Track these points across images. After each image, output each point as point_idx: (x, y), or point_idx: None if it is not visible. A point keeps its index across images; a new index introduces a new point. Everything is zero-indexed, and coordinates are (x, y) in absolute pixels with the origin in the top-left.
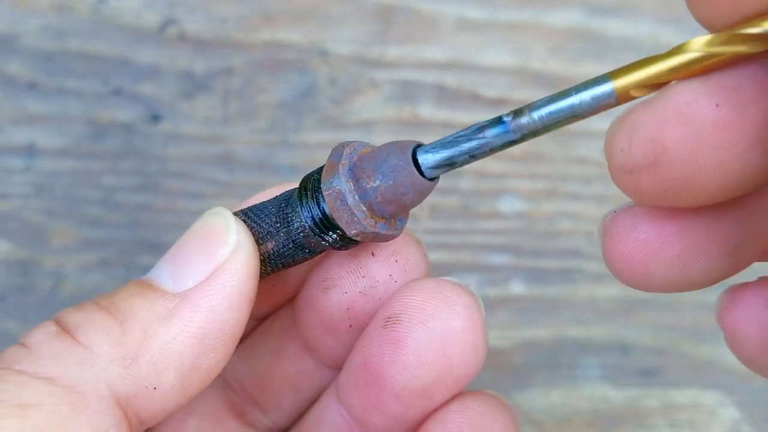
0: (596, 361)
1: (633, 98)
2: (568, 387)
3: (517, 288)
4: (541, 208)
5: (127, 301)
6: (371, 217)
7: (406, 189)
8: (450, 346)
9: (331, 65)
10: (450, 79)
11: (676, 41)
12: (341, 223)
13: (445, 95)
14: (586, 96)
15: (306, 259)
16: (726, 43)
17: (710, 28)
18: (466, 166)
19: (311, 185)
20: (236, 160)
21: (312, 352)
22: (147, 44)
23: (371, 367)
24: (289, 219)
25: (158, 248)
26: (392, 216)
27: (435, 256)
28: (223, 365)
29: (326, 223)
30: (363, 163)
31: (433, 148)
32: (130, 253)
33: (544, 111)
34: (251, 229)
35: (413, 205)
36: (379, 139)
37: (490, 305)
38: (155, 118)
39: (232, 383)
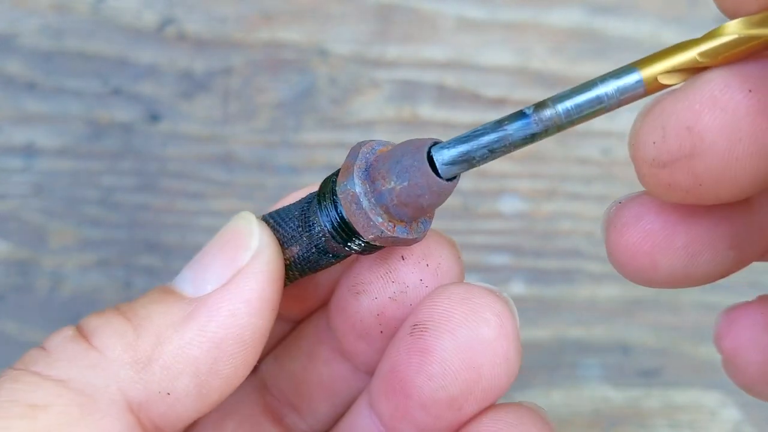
0: (597, 361)
1: (661, 88)
2: (568, 387)
3: (517, 288)
4: (541, 208)
5: (145, 307)
6: (389, 221)
7: (422, 190)
8: (478, 356)
9: (331, 65)
10: (450, 79)
11: (677, 40)
12: (357, 228)
13: (445, 95)
14: (612, 86)
15: (332, 264)
16: (761, 24)
17: (733, 15)
18: None
19: (329, 188)
20: (236, 160)
21: (346, 356)
22: (146, 44)
23: (398, 376)
24: (311, 223)
25: (158, 248)
26: (412, 219)
27: None
28: (244, 372)
29: (345, 227)
30: (379, 163)
31: (450, 143)
32: (130, 253)
33: (568, 103)
34: (276, 233)
35: (432, 207)
36: (379, 139)
37: None
38: (154, 118)
39: (269, 386)
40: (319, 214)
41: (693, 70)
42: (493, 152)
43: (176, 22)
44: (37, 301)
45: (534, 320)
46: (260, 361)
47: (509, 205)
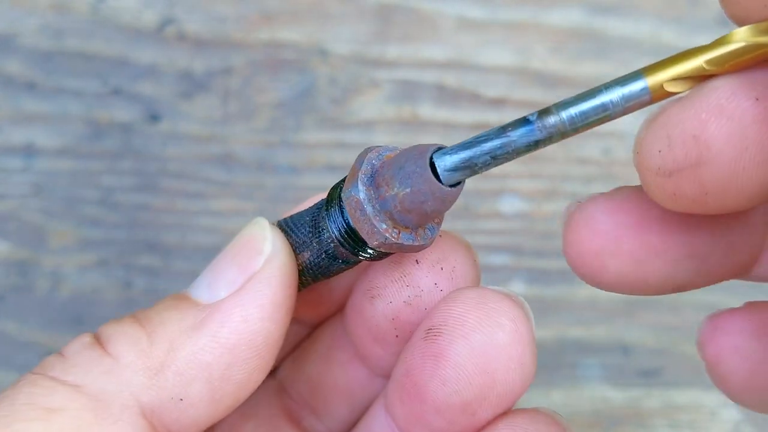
0: (597, 361)
1: (667, 95)
2: (568, 387)
3: (517, 288)
4: (541, 208)
5: (160, 314)
6: (394, 227)
7: (425, 197)
8: (493, 361)
9: (331, 65)
10: (450, 79)
11: (677, 40)
12: (362, 234)
13: (445, 95)
14: (617, 93)
15: (343, 270)
16: (763, 33)
17: (743, 22)
18: None
19: (336, 194)
20: (235, 160)
21: (362, 360)
22: (146, 44)
23: (412, 380)
24: (320, 229)
25: (157, 248)
26: (417, 225)
27: None
28: (259, 377)
29: (352, 234)
30: (383, 169)
31: (452, 149)
32: (129, 254)
33: (573, 110)
34: (289, 238)
35: (436, 213)
36: (379, 139)
37: None
38: (154, 117)
39: (287, 389)
40: (327, 220)
41: (699, 78)
42: (495, 159)
43: (176, 22)
44: (37, 301)
45: (534, 320)
46: (278, 364)
47: (509, 205)
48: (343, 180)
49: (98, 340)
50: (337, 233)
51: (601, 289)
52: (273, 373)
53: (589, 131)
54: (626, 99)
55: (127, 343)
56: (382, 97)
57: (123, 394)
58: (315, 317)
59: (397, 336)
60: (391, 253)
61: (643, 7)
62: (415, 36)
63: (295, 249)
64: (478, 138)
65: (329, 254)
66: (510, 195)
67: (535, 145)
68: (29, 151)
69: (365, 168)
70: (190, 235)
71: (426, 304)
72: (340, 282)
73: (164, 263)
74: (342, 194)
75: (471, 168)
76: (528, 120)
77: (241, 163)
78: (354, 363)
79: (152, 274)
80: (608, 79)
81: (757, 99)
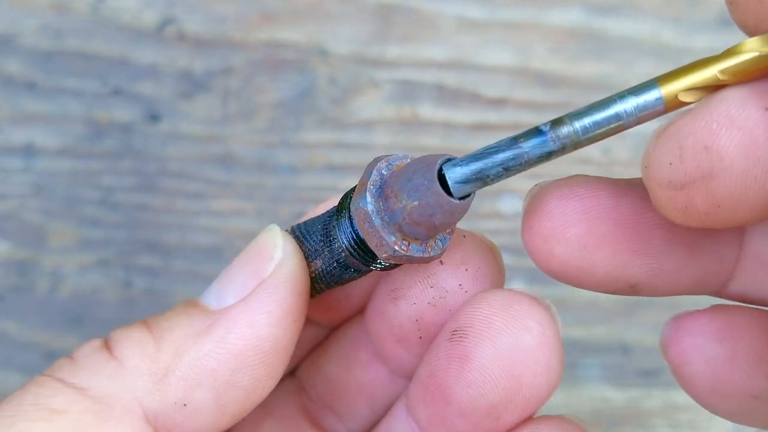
0: (597, 361)
1: (680, 105)
2: (568, 387)
3: (517, 288)
4: None
5: (168, 319)
6: (403, 239)
7: (433, 210)
8: (519, 365)
9: (331, 65)
10: (450, 79)
11: (677, 40)
12: (371, 246)
13: (445, 95)
14: (631, 103)
15: (355, 278)
16: None
17: (753, 33)
18: None
19: (346, 204)
20: (235, 160)
21: (384, 361)
22: (146, 44)
23: (437, 382)
24: (331, 238)
25: (157, 248)
26: (427, 237)
27: None
28: (267, 385)
29: (361, 245)
30: (392, 180)
31: (462, 161)
32: (129, 254)
33: (587, 120)
34: (301, 245)
35: (446, 226)
36: (379, 139)
37: None
38: (154, 117)
39: (306, 389)
40: (337, 230)
41: (710, 89)
42: (507, 170)
43: (176, 22)
44: (37, 301)
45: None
46: (296, 365)
47: (509, 205)
48: (353, 189)
49: (107, 344)
50: (347, 244)
51: (552, 276)
52: (292, 373)
53: None
54: (640, 109)
55: (134, 347)
56: (382, 97)
57: (126, 397)
58: (333, 320)
59: (420, 337)
60: (400, 264)
61: (643, 7)
62: (415, 36)
63: (308, 256)
64: (489, 149)
65: (341, 263)
66: (510, 195)
67: (548, 156)
68: (29, 151)
69: (374, 179)
70: (190, 235)
71: (450, 306)
72: (359, 285)
73: (164, 263)
74: (351, 205)
75: (482, 180)
76: (541, 130)
77: (241, 163)
78: (374, 363)
79: (152, 274)
80: (608, 79)
81: (766, 109)
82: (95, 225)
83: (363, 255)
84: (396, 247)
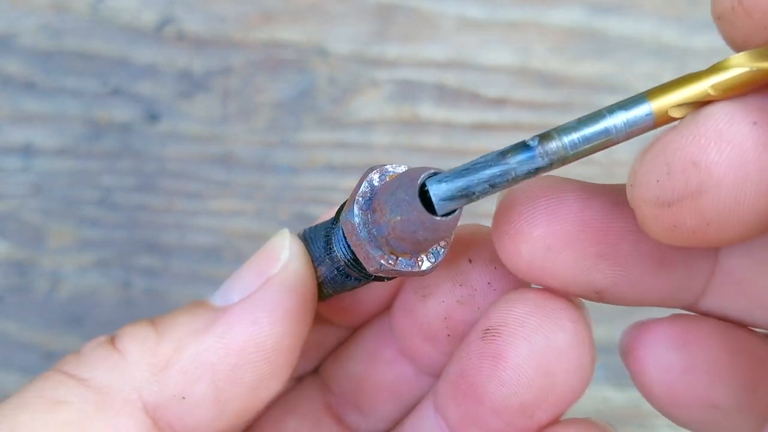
0: (597, 362)
1: (670, 120)
2: None
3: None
4: None
5: (174, 317)
6: (391, 253)
7: (415, 226)
8: (553, 364)
9: (331, 65)
10: (450, 79)
11: (677, 40)
12: (360, 258)
13: (445, 95)
14: (621, 118)
15: (357, 286)
16: (766, 58)
17: (741, 47)
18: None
19: (340, 214)
20: (235, 160)
21: (410, 358)
22: (145, 43)
23: (469, 380)
24: (331, 246)
25: (157, 248)
26: (416, 251)
27: None
28: (271, 384)
29: (355, 256)
30: (380, 193)
31: (447, 176)
32: (128, 254)
33: (575, 135)
34: (309, 250)
35: (431, 242)
36: (379, 139)
37: None
38: (153, 117)
39: (330, 386)
40: (334, 239)
41: (698, 104)
42: (494, 187)
43: (175, 21)
44: (36, 302)
45: None
46: (319, 363)
47: None
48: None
49: (112, 339)
50: (341, 254)
51: (520, 277)
52: (315, 371)
53: None
54: (630, 124)
55: (136, 341)
56: (382, 97)
57: (125, 389)
58: (354, 321)
59: (448, 335)
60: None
61: (643, 6)
62: (415, 36)
63: (314, 261)
64: (475, 164)
65: (341, 272)
66: None
67: (536, 172)
68: (28, 151)
69: (363, 190)
70: (190, 235)
71: (479, 304)
72: (379, 287)
73: (163, 263)
74: (341, 217)
75: (468, 197)
76: (528, 145)
77: (241, 163)
78: (399, 361)
79: (151, 274)
80: (608, 79)
81: (755, 123)
82: (94, 225)
83: (358, 266)
84: (382, 261)
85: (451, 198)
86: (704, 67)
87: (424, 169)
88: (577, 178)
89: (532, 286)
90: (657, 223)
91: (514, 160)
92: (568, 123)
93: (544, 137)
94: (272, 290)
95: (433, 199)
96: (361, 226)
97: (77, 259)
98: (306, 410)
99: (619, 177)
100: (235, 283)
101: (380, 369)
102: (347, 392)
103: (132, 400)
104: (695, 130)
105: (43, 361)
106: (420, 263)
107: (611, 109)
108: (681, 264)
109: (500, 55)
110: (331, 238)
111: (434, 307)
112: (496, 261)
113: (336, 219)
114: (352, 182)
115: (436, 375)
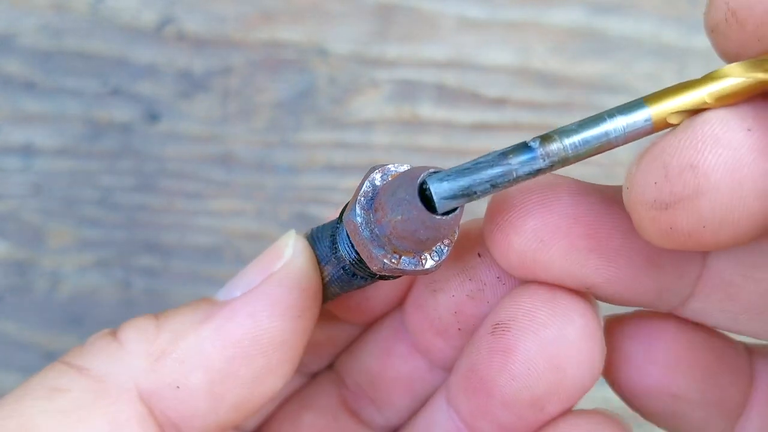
0: None
1: (668, 126)
2: None
3: None
4: None
5: (177, 310)
6: (393, 252)
7: (416, 225)
8: (563, 357)
9: (331, 65)
10: (450, 79)
11: (677, 40)
12: (363, 258)
13: (445, 95)
14: (620, 122)
15: (363, 286)
16: (762, 68)
17: (733, 59)
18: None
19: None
20: (235, 160)
21: (423, 353)
22: (145, 43)
23: (479, 374)
24: (336, 245)
25: (157, 248)
26: (419, 250)
27: None
28: (269, 379)
29: (359, 256)
30: (382, 192)
31: (449, 175)
32: (128, 254)
33: (576, 138)
34: (314, 250)
35: (434, 241)
36: (379, 139)
37: None
38: (153, 117)
39: (345, 381)
40: (338, 238)
41: (694, 111)
42: (495, 187)
43: (175, 21)
44: (36, 302)
45: None
46: (333, 359)
47: None
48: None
49: (114, 331)
50: (346, 254)
51: (510, 272)
52: (330, 367)
53: None
54: (629, 128)
55: (136, 331)
56: (382, 97)
57: (122, 377)
58: (366, 319)
59: (459, 329)
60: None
61: (643, 6)
62: (415, 36)
63: (320, 261)
64: (476, 164)
65: (347, 271)
66: None
67: (536, 173)
68: (28, 151)
69: (365, 190)
70: (190, 235)
71: (489, 298)
72: (390, 285)
73: (163, 263)
74: (343, 217)
75: (469, 196)
76: (529, 147)
77: (241, 163)
78: (413, 355)
79: (151, 274)
80: (608, 79)
81: (749, 130)
82: (94, 225)
83: (362, 265)
84: (385, 260)
85: (452, 197)
86: (704, 68)
87: (424, 169)
88: (577, 178)
89: None
90: (653, 226)
91: (516, 161)
92: (568, 125)
93: (545, 139)
94: (273, 286)
95: (435, 197)
96: (364, 225)
97: (77, 259)
98: (322, 405)
99: (619, 177)
100: (239, 279)
101: (394, 364)
102: (362, 387)
103: (128, 389)
104: (692, 134)
105: (43, 361)
106: (423, 262)
107: (611, 113)
108: (670, 263)
109: (500, 55)
110: (336, 238)
111: (445, 301)
112: None
113: (340, 219)
114: (352, 182)
115: (449, 369)
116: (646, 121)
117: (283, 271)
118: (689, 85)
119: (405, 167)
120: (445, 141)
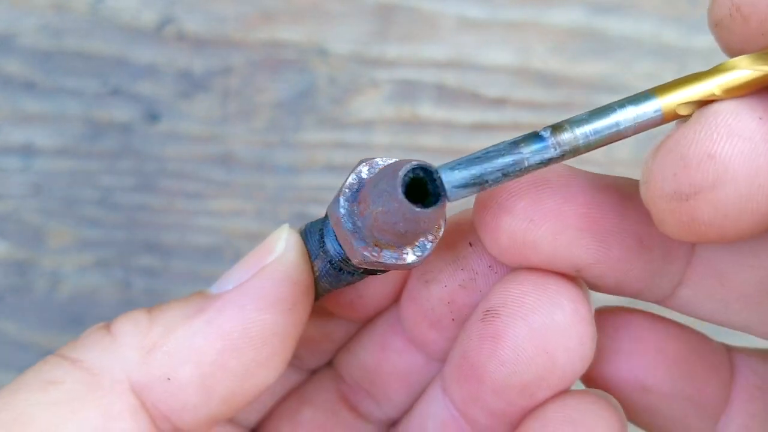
0: None
1: (676, 117)
2: None
3: None
4: None
5: (170, 304)
6: (375, 245)
7: (396, 218)
8: (552, 342)
9: (331, 65)
10: (450, 79)
11: (678, 40)
12: (345, 251)
13: (445, 95)
14: (631, 113)
15: (352, 282)
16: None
17: (737, 54)
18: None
19: None
20: (235, 160)
21: (419, 346)
22: (145, 43)
23: (470, 361)
24: (324, 240)
25: (157, 248)
26: (400, 244)
27: None
28: (260, 373)
29: (343, 250)
30: (367, 185)
31: (461, 164)
32: (128, 254)
33: (587, 128)
34: (306, 245)
35: (415, 234)
36: (379, 139)
37: None
38: (153, 117)
39: (344, 377)
40: (325, 232)
41: (703, 103)
42: (506, 176)
43: (175, 21)
44: (36, 302)
45: None
46: (332, 356)
47: None
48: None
49: (108, 324)
50: (332, 248)
51: (499, 257)
52: (329, 364)
53: None
54: (639, 118)
55: (129, 324)
56: (382, 97)
57: (114, 369)
58: (361, 316)
59: (453, 320)
60: (389, 270)
61: (643, 6)
62: (415, 36)
63: (311, 256)
64: (488, 153)
65: (334, 266)
66: None
67: (547, 162)
68: (28, 151)
69: (351, 182)
70: (190, 235)
71: (481, 287)
72: (384, 280)
73: (163, 263)
74: (327, 209)
75: (480, 185)
76: (541, 136)
77: (241, 163)
78: (410, 349)
79: (151, 274)
80: (608, 79)
81: (761, 119)
82: (94, 225)
83: (347, 259)
84: (365, 253)
85: (463, 185)
86: (704, 67)
87: (407, 161)
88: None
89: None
90: (673, 218)
91: (527, 150)
92: (579, 115)
93: (557, 128)
94: (263, 279)
95: (447, 186)
96: (346, 217)
97: (77, 259)
98: (321, 400)
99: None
100: (232, 273)
101: (391, 358)
102: (360, 382)
103: (121, 381)
104: (707, 125)
105: None
106: (405, 256)
107: (621, 104)
108: (660, 246)
109: (500, 55)
110: (323, 232)
111: (437, 292)
112: None
113: (327, 213)
114: None
115: (444, 360)
116: (655, 111)
117: (274, 265)
118: (698, 77)
119: (392, 161)
120: (445, 141)
